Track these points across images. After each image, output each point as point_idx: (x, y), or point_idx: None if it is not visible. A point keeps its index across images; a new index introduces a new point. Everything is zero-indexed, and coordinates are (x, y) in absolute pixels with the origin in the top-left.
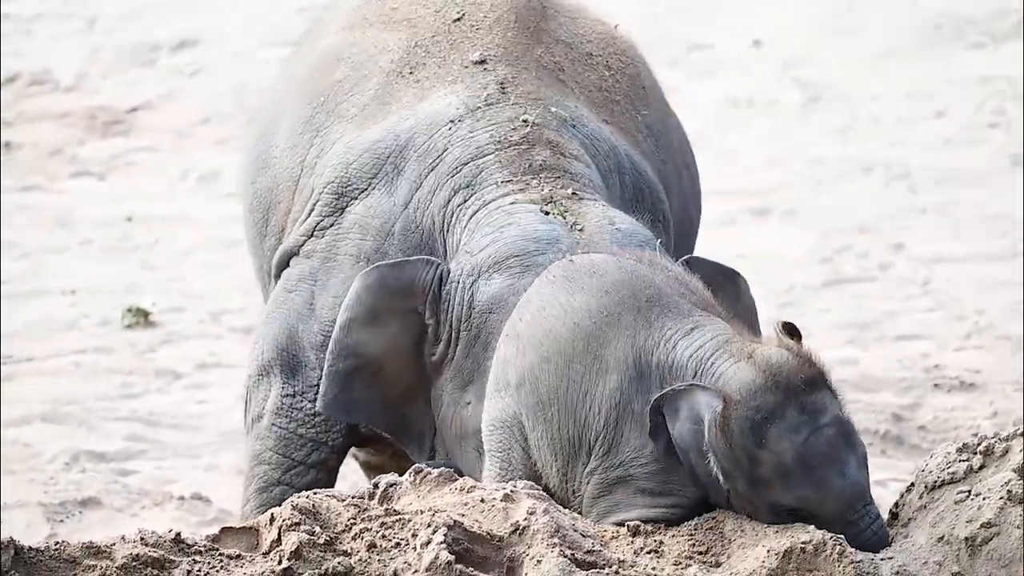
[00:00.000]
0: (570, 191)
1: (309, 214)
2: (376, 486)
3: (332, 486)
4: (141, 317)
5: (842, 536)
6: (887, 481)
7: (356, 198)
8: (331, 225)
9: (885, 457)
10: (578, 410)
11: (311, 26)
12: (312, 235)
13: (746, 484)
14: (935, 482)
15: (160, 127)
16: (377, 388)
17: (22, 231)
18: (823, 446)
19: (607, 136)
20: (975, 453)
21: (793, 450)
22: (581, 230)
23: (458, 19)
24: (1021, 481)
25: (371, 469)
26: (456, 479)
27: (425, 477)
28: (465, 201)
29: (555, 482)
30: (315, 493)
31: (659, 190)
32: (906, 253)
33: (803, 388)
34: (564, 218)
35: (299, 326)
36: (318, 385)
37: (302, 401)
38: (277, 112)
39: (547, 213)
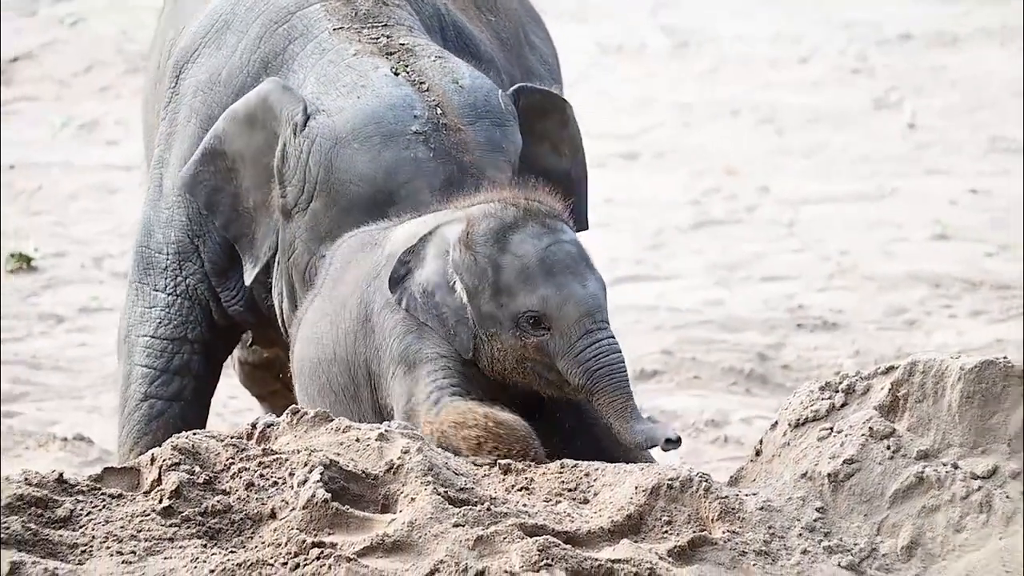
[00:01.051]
0: (402, 41)
1: (163, 99)
2: (254, 426)
3: (204, 396)
4: (24, 262)
5: (708, 474)
6: (752, 419)
7: (187, 66)
8: (169, 102)
9: (749, 395)
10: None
11: None
12: (159, 123)
13: (490, 296)
14: (798, 420)
15: (41, 76)
16: (227, 184)
17: None
18: (564, 256)
19: (435, 1)
20: (837, 391)
21: (535, 254)
22: (428, 90)
23: None
24: (882, 419)
25: (253, 372)
26: (332, 420)
27: (302, 418)
28: (303, 50)
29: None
30: (195, 434)
31: (492, 67)
32: (772, 195)
33: (543, 212)
34: (412, 76)
35: (151, 216)
36: (168, 271)
37: (155, 299)
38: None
39: (397, 74)
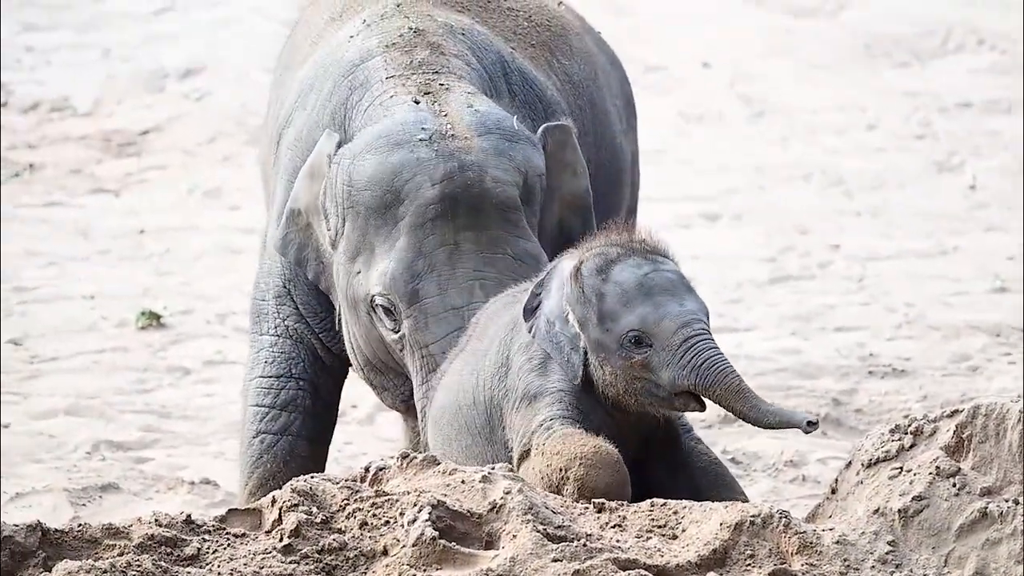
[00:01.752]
0: (442, 82)
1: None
2: (367, 469)
3: (315, 431)
4: (154, 319)
5: (787, 511)
6: (828, 459)
7: (284, 130)
8: (274, 164)
9: (825, 438)
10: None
11: None
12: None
13: (596, 324)
14: (871, 460)
15: (169, 147)
16: (309, 239)
17: (46, 242)
18: (662, 281)
19: (496, 48)
20: (906, 433)
21: (634, 280)
22: (446, 115)
23: None
24: (948, 458)
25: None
26: (439, 463)
27: (411, 461)
28: (361, 99)
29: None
30: (312, 477)
31: (557, 109)
32: (843, 252)
33: (644, 248)
34: (432, 105)
35: (258, 269)
36: (270, 316)
37: (262, 343)
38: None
39: (417, 103)
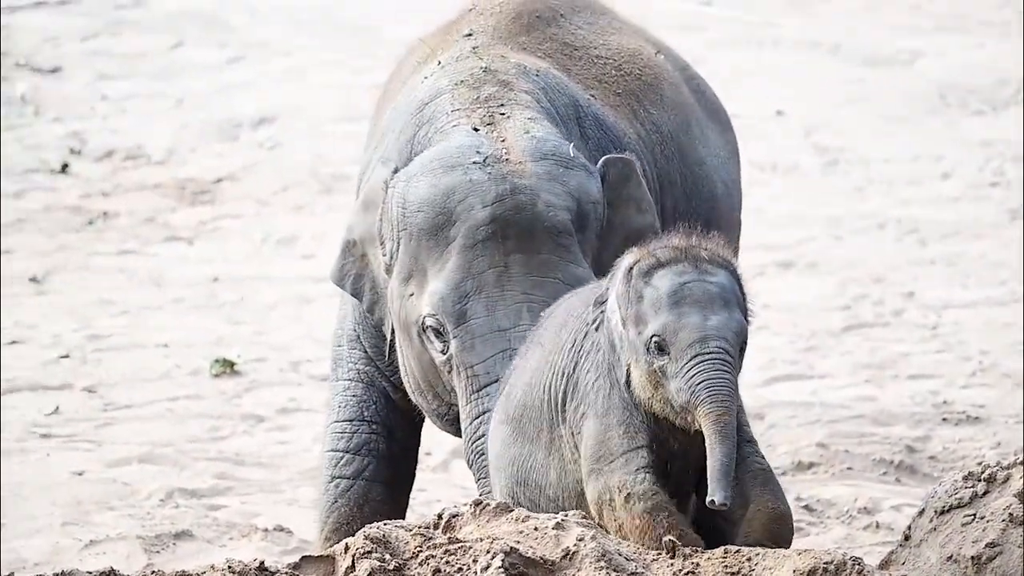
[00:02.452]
0: (503, 111)
1: None
2: (440, 516)
3: (391, 474)
4: (228, 367)
5: (861, 557)
6: (901, 506)
7: (366, 172)
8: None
9: (899, 485)
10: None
11: None
12: None
13: (632, 325)
14: (944, 507)
15: (243, 196)
16: (364, 270)
17: (120, 291)
18: (699, 292)
19: (570, 91)
20: (980, 480)
21: (671, 286)
22: (503, 140)
23: (470, 9)
24: (1021, 505)
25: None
26: (512, 510)
27: (484, 508)
28: (427, 134)
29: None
30: (385, 524)
31: (632, 154)
32: (917, 300)
33: (700, 255)
34: (490, 132)
35: (339, 314)
36: (344, 360)
37: (336, 388)
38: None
39: (477, 130)
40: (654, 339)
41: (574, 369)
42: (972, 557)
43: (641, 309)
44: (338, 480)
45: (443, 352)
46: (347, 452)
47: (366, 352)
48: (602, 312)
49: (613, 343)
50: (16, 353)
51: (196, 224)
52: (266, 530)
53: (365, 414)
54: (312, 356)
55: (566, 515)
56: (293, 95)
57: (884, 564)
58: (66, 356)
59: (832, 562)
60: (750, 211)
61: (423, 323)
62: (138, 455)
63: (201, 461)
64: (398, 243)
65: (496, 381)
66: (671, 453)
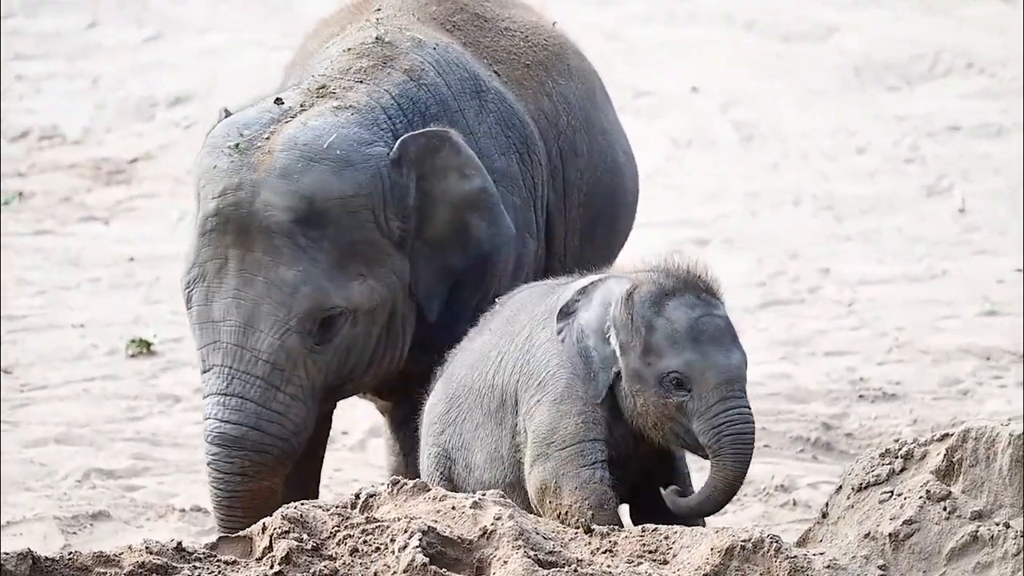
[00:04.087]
0: (335, 91)
1: None
2: (357, 496)
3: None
4: (144, 347)
5: (778, 535)
6: (818, 484)
7: None
8: None
9: (816, 462)
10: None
11: None
12: None
13: (639, 354)
14: (861, 484)
15: (159, 175)
16: None
17: (36, 271)
18: (712, 328)
19: (470, 67)
20: (896, 457)
21: (687, 320)
22: (286, 122)
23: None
24: (938, 482)
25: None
26: (430, 489)
27: (402, 487)
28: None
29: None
30: (302, 504)
31: (531, 133)
32: (833, 276)
33: (701, 286)
34: (286, 111)
35: None
36: None
37: None
38: None
39: (280, 102)
40: (672, 375)
41: (527, 362)
42: (890, 534)
43: (653, 341)
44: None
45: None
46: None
47: None
48: (567, 324)
49: (588, 357)
50: None
51: (112, 204)
52: (183, 510)
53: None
54: None
55: (483, 494)
56: (209, 74)
57: (802, 542)
58: None
59: (750, 540)
60: (667, 187)
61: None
62: (55, 435)
63: (118, 441)
64: None
65: (210, 370)
66: (621, 450)
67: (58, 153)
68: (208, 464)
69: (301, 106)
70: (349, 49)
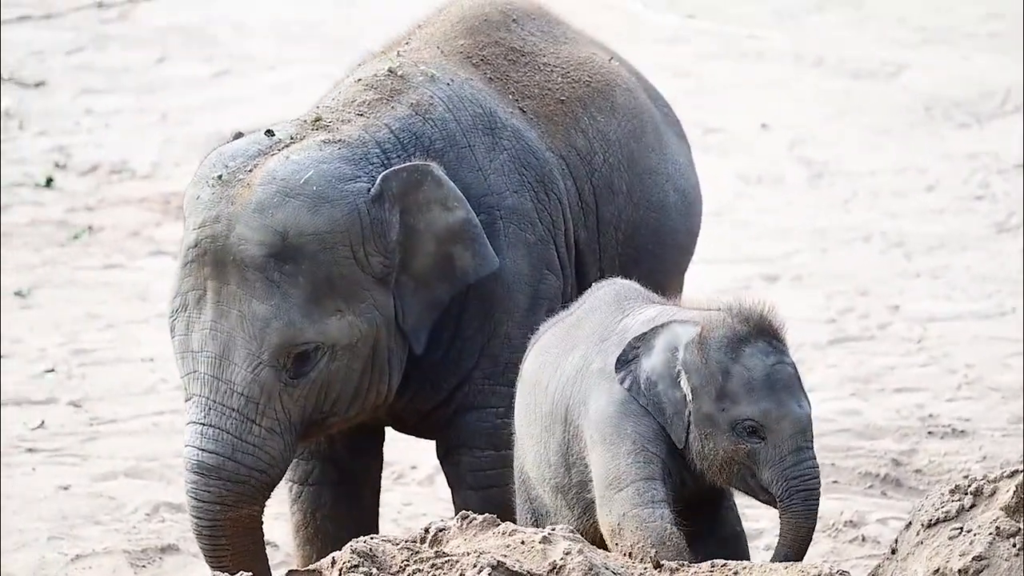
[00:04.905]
0: (328, 124)
1: None
2: (427, 530)
3: (336, 475)
4: None
5: (847, 571)
6: (888, 519)
7: None
8: None
9: (885, 498)
10: None
11: None
12: None
13: (713, 399)
14: (930, 520)
15: None
16: None
17: (105, 305)
18: (786, 376)
19: (486, 103)
20: (966, 494)
21: (763, 369)
22: (269, 155)
23: (420, 26)
24: (1008, 518)
25: None
26: (499, 524)
27: (471, 522)
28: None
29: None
30: (372, 538)
31: (550, 171)
32: (902, 313)
33: (772, 332)
34: (274, 144)
35: None
36: None
37: None
38: None
39: (271, 133)
40: (747, 423)
41: (580, 389)
42: (959, 570)
43: (730, 387)
44: (290, 483)
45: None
46: (301, 457)
47: None
48: (628, 372)
49: (660, 403)
50: (2, 368)
51: (181, 239)
52: None
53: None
54: None
55: (553, 529)
56: (278, 109)
57: None
58: (51, 370)
59: (819, 574)
60: (736, 224)
61: None
62: (124, 469)
63: None
64: None
65: (190, 399)
66: (681, 485)
67: (127, 188)
68: (187, 493)
69: (291, 138)
70: (360, 80)
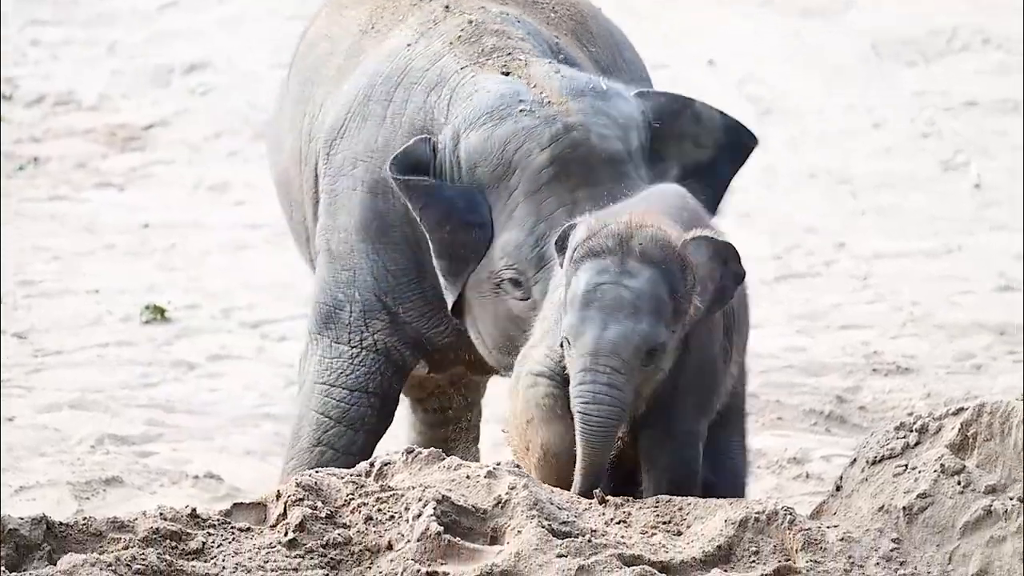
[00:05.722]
0: (519, 59)
1: (315, 174)
2: (372, 464)
3: (372, 449)
4: (158, 314)
5: (792, 507)
6: (832, 456)
7: (336, 141)
8: (324, 176)
9: (830, 435)
10: None
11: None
12: (320, 199)
13: (561, 307)
14: (875, 457)
15: (175, 142)
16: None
17: (52, 237)
18: (611, 297)
19: (544, 35)
20: (911, 431)
21: (587, 284)
22: (535, 85)
23: None
24: (952, 456)
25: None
26: (444, 458)
27: (416, 456)
28: (440, 97)
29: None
30: (317, 471)
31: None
32: (848, 251)
33: (636, 250)
34: (519, 76)
35: (327, 277)
36: (352, 327)
37: (337, 351)
38: (280, 103)
39: (507, 74)
40: (563, 335)
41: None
42: (904, 508)
43: (567, 296)
44: (324, 448)
45: (525, 299)
46: (340, 423)
47: (392, 321)
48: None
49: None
50: None
51: (128, 170)
52: (196, 477)
53: (370, 386)
54: (243, 303)
55: (498, 464)
56: (225, 41)
57: (815, 514)
58: None
59: (763, 511)
60: None
61: (499, 276)
62: (69, 401)
63: (132, 408)
64: None
65: None
66: None
67: (73, 119)
68: None
69: (518, 75)
70: (458, 38)
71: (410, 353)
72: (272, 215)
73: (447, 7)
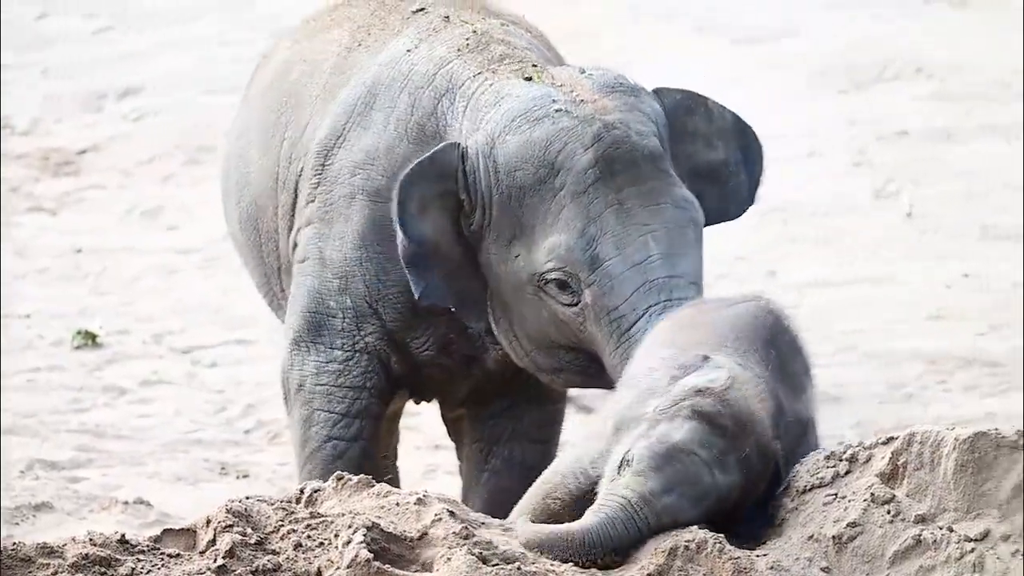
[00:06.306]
0: (534, 64)
1: (296, 193)
2: (302, 491)
3: (378, 435)
4: (90, 339)
5: (722, 535)
6: None
7: (334, 151)
8: (318, 185)
9: None
10: None
11: (257, 65)
12: (306, 205)
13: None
14: (805, 486)
15: (107, 167)
16: (438, 266)
17: None
18: (691, 474)
19: (543, 50)
20: (841, 460)
21: (683, 440)
22: (562, 85)
23: None
24: (882, 485)
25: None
26: (374, 485)
27: (346, 483)
28: (453, 103)
29: None
30: (247, 497)
31: None
32: (779, 279)
33: (740, 453)
34: (543, 80)
35: (317, 285)
36: (345, 332)
37: (331, 355)
38: (244, 136)
39: (529, 79)
40: (625, 462)
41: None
42: (833, 536)
43: (654, 431)
44: (336, 441)
45: (572, 304)
46: (346, 416)
47: (383, 326)
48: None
49: None
50: None
51: (60, 195)
52: (126, 503)
53: (367, 384)
54: (175, 328)
55: (426, 491)
56: (159, 66)
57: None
58: None
59: (693, 540)
60: None
61: (542, 279)
62: None
63: (62, 433)
64: (490, 210)
65: (643, 316)
66: None
67: (6, 143)
68: None
69: (541, 76)
70: (465, 45)
71: (396, 359)
72: (205, 240)
73: (447, 18)
